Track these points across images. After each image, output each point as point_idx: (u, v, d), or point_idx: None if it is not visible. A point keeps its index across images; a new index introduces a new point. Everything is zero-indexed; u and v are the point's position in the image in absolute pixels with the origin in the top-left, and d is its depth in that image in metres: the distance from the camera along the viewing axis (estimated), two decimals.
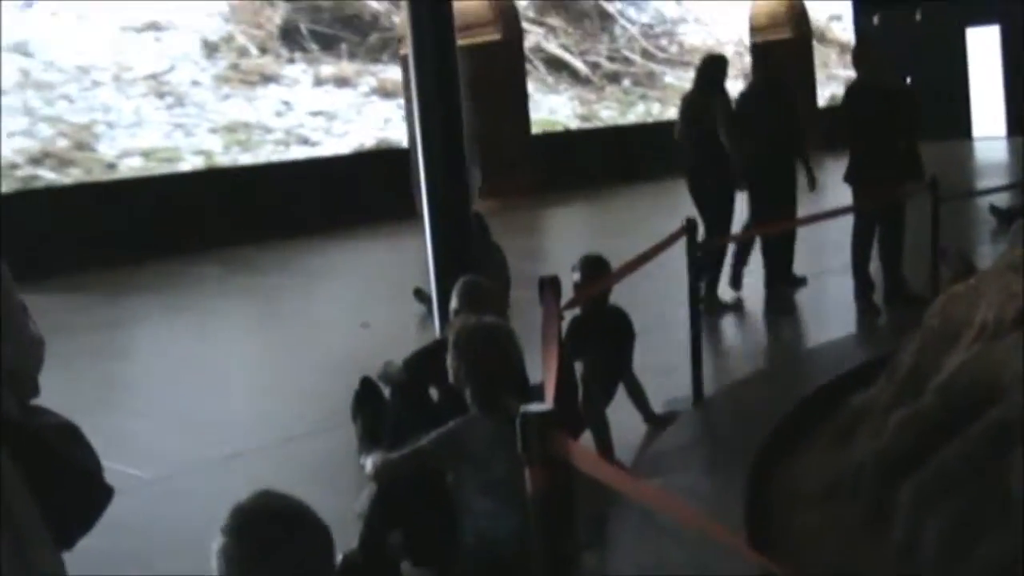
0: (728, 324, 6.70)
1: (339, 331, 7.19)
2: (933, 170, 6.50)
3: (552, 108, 16.20)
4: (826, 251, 7.82)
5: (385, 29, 14.04)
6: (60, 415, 1.99)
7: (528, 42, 15.82)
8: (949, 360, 3.42)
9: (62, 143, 11.44)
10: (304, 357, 6.58)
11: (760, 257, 7.19)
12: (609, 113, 16.93)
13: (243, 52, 12.91)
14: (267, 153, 12.94)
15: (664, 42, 17.75)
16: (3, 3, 10.85)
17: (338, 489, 3.80)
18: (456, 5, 5.04)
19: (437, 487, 3.04)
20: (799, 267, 7.32)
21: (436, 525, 3.06)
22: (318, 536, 1.67)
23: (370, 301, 8.28)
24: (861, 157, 6.39)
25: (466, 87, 8.81)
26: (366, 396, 4.28)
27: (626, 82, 17.20)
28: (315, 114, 13.40)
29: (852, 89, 6.68)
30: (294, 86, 13.26)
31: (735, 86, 7.51)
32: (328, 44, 13.59)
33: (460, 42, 5.40)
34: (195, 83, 12.47)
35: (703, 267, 6.65)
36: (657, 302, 6.19)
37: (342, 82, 13.71)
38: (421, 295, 7.00)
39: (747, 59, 17.77)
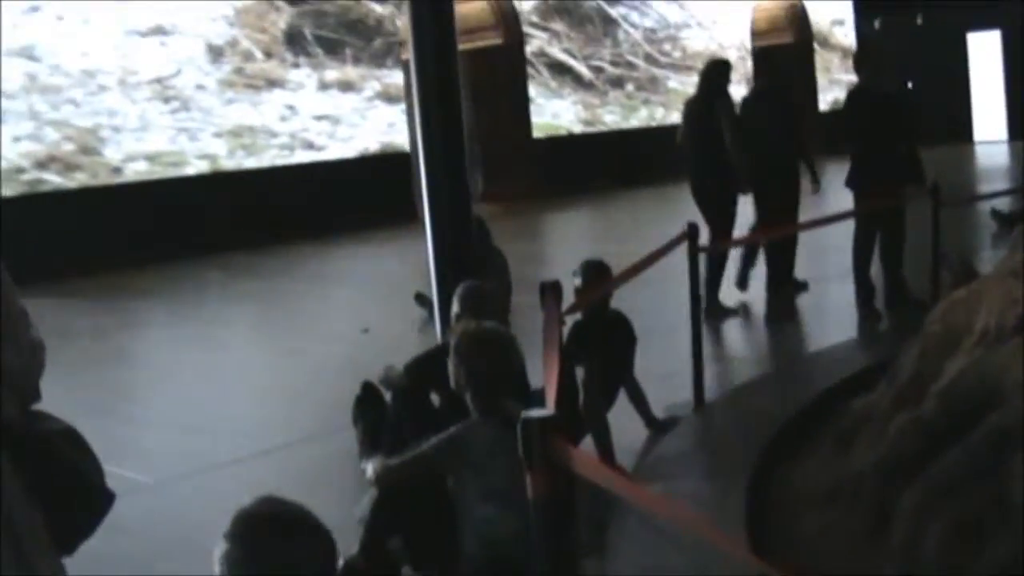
0: (729, 329, 6.70)
1: (340, 335, 7.19)
2: (934, 174, 6.50)
3: (556, 112, 16.22)
4: (827, 256, 7.82)
5: (389, 34, 14.07)
6: (61, 420, 1.99)
7: (532, 47, 15.85)
8: (950, 365, 3.42)
9: (68, 147, 11.48)
10: (305, 361, 6.59)
11: (762, 261, 7.21)
12: (612, 117, 16.95)
13: (248, 56, 12.94)
14: (271, 157, 12.97)
15: (667, 47, 17.77)
16: (9, 7, 10.88)
17: (339, 494, 3.80)
18: (457, 9, 5.05)
19: (438, 492, 3.05)
20: (800, 272, 7.32)
21: (437, 530, 3.06)
22: (320, 541, 1.68)
23: (371, 305, 8.29)
24: (862, 162, 6.40)
25: (467, 91, 8.85)
26: (367, 401, 4.28)
27: (629, 87, 17.22)
28: (319, 118, 13.43)
29: (853, 94, 6.69)
30: (299, 90, 13.30)
31: (738, 91, 7.51)
32: (333, 49, 13.62)
33: (461, 46, 5.41)
34: (200, 87, 12.50)
35: (709, 270, 6.69)
36: (658, 307, 6.19)
37: (346, 86, 13.74)
38: (422, 299, 7.00)
39: (750, 64, 17.78)
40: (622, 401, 4.55)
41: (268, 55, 13.12)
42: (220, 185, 12.41)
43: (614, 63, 16.99)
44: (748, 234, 7.22)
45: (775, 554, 3.17)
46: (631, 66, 17.22)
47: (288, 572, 1.63)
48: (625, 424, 4.44)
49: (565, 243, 11.76)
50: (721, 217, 6.94)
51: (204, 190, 12.23)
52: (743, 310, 7.05)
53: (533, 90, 15.82)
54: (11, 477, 1.82)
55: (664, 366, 5.08)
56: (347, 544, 3.04)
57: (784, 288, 7.13)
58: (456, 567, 2.99)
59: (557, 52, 16.28)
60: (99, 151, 11.69)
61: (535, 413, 2.12)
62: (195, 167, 12.34)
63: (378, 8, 14.10)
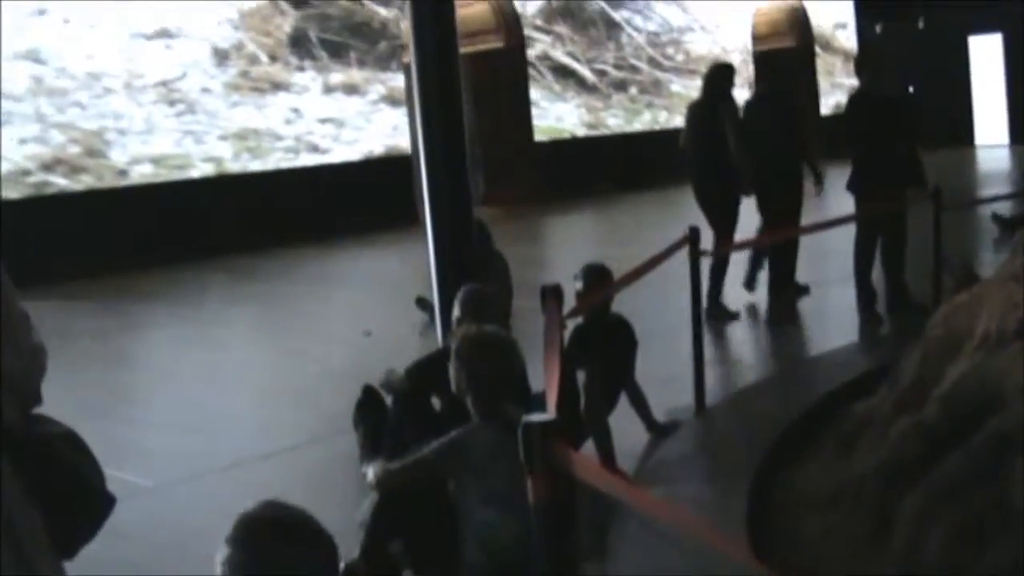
0: (730, 333, 6.70)
1: (341, 339, 7.20)
2: (935, 178, 6.50)
3: (559, 116, 16.23)
4: (828, 260, 7.82)
5: (394, 37, 14.09)
6: (62, 424, 1.99)
7: (535, 50, 15.86)
8: (952, 370, 3.42)
9: (73, 150, 11.51)
10: (306, 365, 6.59)
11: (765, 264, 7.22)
12: (616, 121, 16.96)
13: (253, 60, 12.97)
14: (276, 160, 12.99)
15: (670, 50, 17.78)
16: (16, 10, 10.91)
17: (340, 497, 3.80)
18: (459, 13, 5.05)
19: (439, 496, 3.05)
20: (802, 276, 7.33)
21: (438, 534, 3.06)
22: (322, 546, 1.68)
23: (373, 308, 8.30)
24: (863, 166, 6.40)
25: (468, 94, 8.85)
26: (368, 404, 4.28)
27: (633, 90, 17.22)
28: (324, 121, 13.45)
29: (854, 98, 6.69)
30: (303, 93, 13.32)
31: (741, 94, 7.53)
32: (337, 52, 13.65)
33: (462, 50, 5.41)
34: (205, 90, 12.53)
35: (712, 273, 6.70)
36: (659, 310, 6.19)
37: (351, 90, 13.76)
38: (423, 303, 7.00)
39: (753, 67, 17.79)
40: (623, 405, 4.55)
41: (273, 58, 13.15)
42: (225, 188, 12.43)
43: (618, 66, 17.00)
44: (753, 237, 7.23)
45: (777, 557, 3.17)
46: (634, 69, 17.23)
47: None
48: (626, 428, 4.44)
49: (566, 247, 11.75)
50: (724, 219, 6.95)
51: (209, 193, 12.25)
52: (745, 313, 7.05)
53: (537, 93, 15.83)
54: (11, 480, 1.82)
55: (665, 370, 5.08)
56: (348, 548, 3.04)
57: (785, 291, 7.14)
58: (457, 571, 2.99)
59: (561, 55, 16.30)
60: (105, 154, 11.71)
61: (536, 417, 2.12)
62: (200, 170, 12.36)
63: (382, 11, 14.12)
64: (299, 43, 13.35)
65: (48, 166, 11.29)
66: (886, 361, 4.33)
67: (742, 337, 6.72)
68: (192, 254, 11.31)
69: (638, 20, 17.37)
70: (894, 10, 19.46)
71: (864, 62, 6.82)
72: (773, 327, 6.75)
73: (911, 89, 16.66)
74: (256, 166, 12.81)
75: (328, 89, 13.55)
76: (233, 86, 12.75)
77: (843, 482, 3.47)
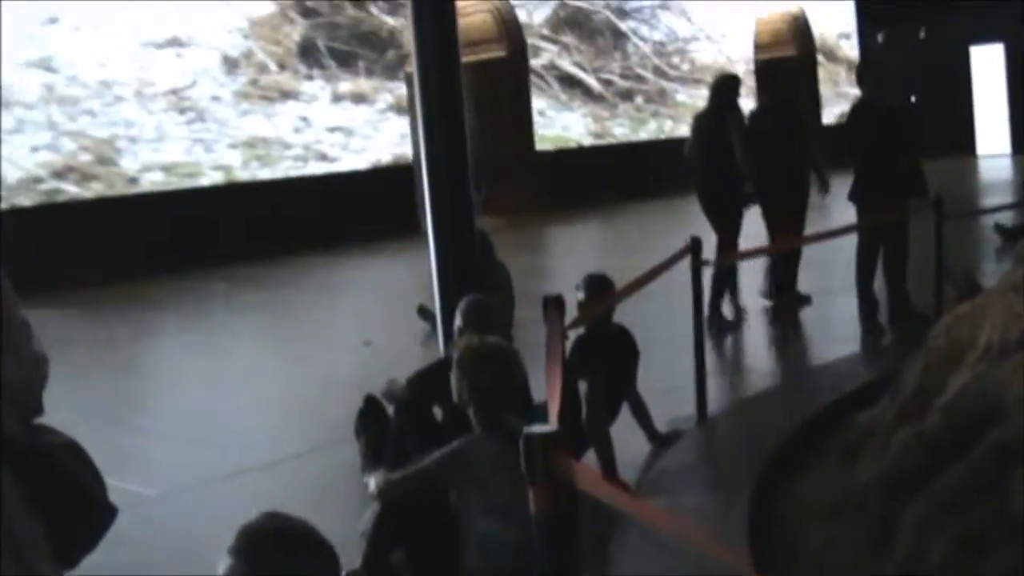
0: (732, 342, 6.70)
1: (343, 348, 7.21)
2: (937, 188, 6.49)
3: (566, 125, 16.26)
4: (830, 269, 7.82)
5: (401, 46, 14.14)
6: (63, 434, 1.99)
7: (542, 59, 15.89)
8: (954, 380, 3.41)
9: (84, 157, 11.57)
10: (308, 374, 6.60)
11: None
12: (622, 130, 16.99)
13: (262, 68, 13.03)
14: (285, 168, 13.04)
15: (676, 60, 17.81)
16: (27, 19, 10.97)
17: (341, 507, 3.81)
18: (461, 22, 5.07)
19: (440, 506, 3.05)
20: (803, 285, 7.33)
21: (439, 544, 3.07)
22: (323, 556, 1.69)
23: (376, 318, 8.31)
24: (865, 175, 6.40)
25: (471, 103, 8.85)
26: (370, 414, 4.28)
27: (638, 99, 17.25)
28: (332, 130, 13.51)
29: (856, 107, 6.70)
30: (312, 102, 13.38)
31: (745, 104, 7.55)
32: (346, 61, 13.70)
33: (465, 59, 5.43)
34: (215, 99, 12.59)
35: (714, 282, 6.70)
36: (661, 320, 6.19)
37: (359, 99, 13.82)
38: (425, 313, 7.01)
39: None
40: (625, 415, 4.55)
41: (282, 67, 13.21)
42: (234, 196, 12.48)
43: (624, 76, 17.03)
44: (757, 247, 7.23)
45: (779, 568, 3.17)
46: (640, 79, 17.26)
47: None
48: (628, 438, 4.43)
49: (569, 256, 11.76)
50: (728, 229, 6.97)
51: (218, 201, 12.31)
52: (746, 324, 7.05)
53: (543, 103, 15.86)
54: (12, 490, 1.82)
55: (667, 380, 5.07)
56: (350, 558, 3.05)
57: (787, 295, 7.15)
58: None
59: (567, 65, 16.33)
60: (115, 161, 11.78)
61: (538, 428, 2.13)
62: (210, 178, 12.42)
63: (390, 21, 14.17)
64: (308, 52, 13.41)
65: (59, 174, 11.36)
66: (888, 371, 4.33)
67: (744, 347, 6.72)
68: (201, 262, 11.36)
69: (644, 30, 17.41)
70: (896, 19, 19.48)
71: (866, 71, 6.83)
72: (775, 336, 6.75)
73: (913, 99, 16.64)
74: (265, 174, 12.86)
75: (336, 98, 13.60)
76: (243, 94, 12.82)
77: (846, 492, 3.47)
